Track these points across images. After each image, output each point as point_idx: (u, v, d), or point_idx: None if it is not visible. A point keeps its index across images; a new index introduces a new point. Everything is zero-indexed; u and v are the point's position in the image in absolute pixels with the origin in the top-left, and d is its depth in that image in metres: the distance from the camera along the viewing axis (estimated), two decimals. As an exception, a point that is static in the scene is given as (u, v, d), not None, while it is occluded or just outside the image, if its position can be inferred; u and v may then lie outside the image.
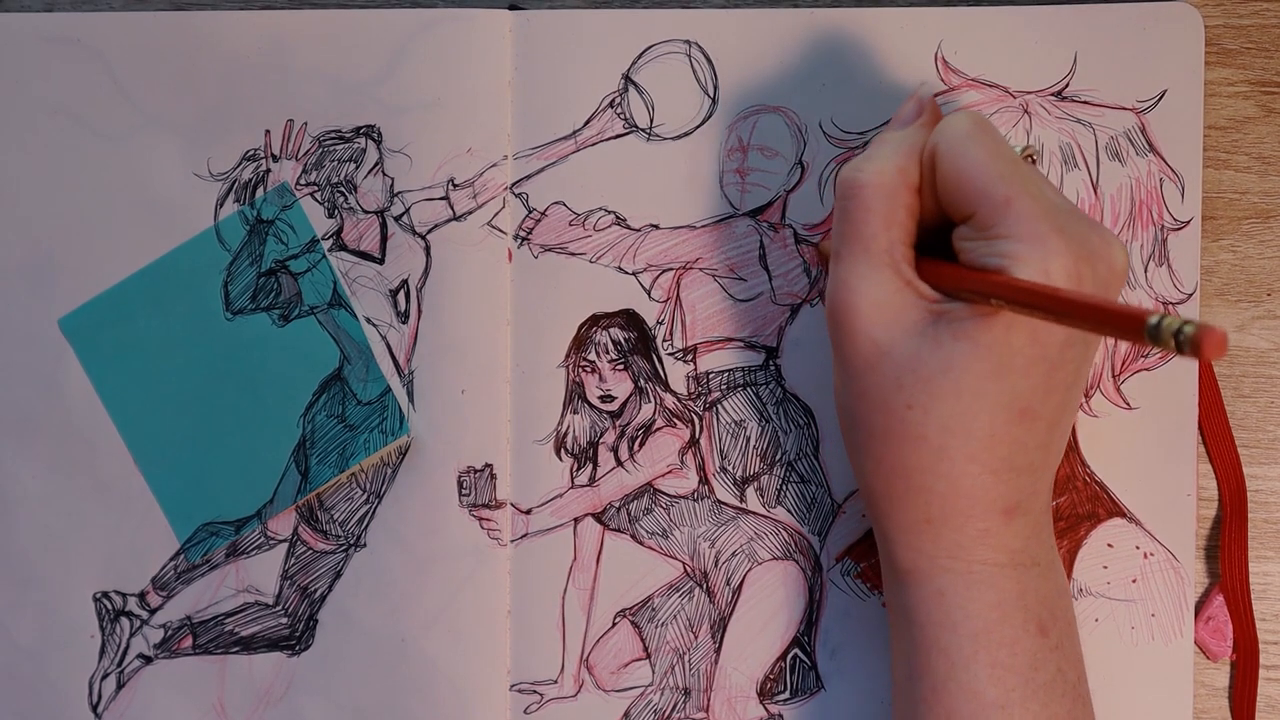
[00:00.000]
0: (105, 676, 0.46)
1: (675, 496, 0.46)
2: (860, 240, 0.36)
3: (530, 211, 0.46)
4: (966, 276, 0.35)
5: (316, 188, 0.46)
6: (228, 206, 0.46)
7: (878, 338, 0.36)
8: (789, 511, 0.45)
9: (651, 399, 0.45)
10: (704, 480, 0.46)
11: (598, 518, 0.45)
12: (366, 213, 0.46)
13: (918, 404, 0.35)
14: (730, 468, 0.45)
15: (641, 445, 0.46)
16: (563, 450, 0.45)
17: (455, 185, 0.46)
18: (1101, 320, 0.30)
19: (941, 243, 0.37)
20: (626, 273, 0.46)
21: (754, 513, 0.45)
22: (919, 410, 0.35)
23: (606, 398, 0.46)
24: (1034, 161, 0.39)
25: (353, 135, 0.46)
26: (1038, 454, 0.36)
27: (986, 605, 0.36)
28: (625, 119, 0.46)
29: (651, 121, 0.45)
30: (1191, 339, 0.27)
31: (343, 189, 0.46)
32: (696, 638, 0.45)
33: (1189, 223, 0.45)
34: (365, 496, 0.45)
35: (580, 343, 0.46)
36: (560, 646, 0.45)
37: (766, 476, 0.45)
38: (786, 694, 0.45)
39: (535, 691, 0.45)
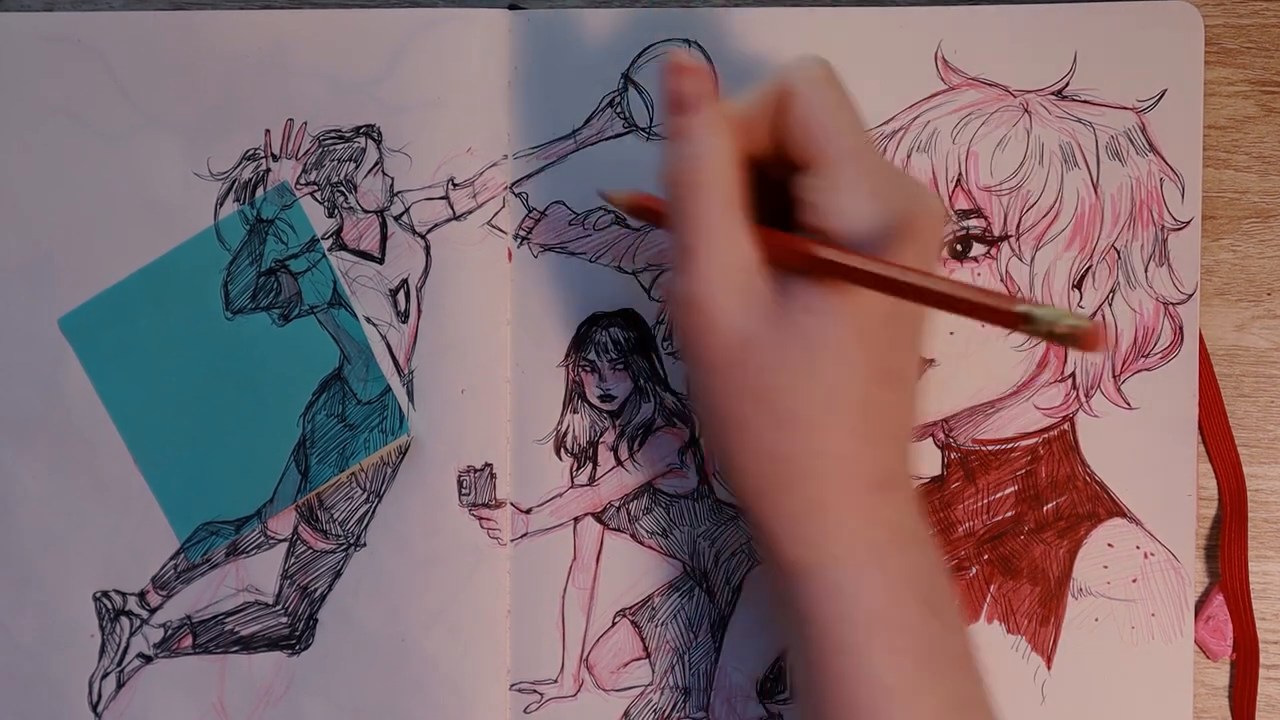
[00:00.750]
0: (105, 676, 0.46)
1: (675, 496, 0.46)
2: (701, 233, 0.36)
3: (530, 211, 0.46)
4: (826, 260, 0.34)
5: (316, 187, 0.46)
6: (228, 206, 0.46)
7: (739, 328, 0.35)
8: (789, 511, 0.45)
9: (651, 398, 0.45)
10: (704, 480, 0.46)
11: (598, 517, 0.45)
12: (366, 212, 0.46)
13: (786, 386, 0.35)
14: (730, 467, 0.45)
15: (641, 445, 0.46)
16: (563, 450, 0.45)
17: (455, 185, 0.46)
18: (977, 307, 0.30)
19: (773, 195, 0.37)
20: (626, 272, 0.46)
21: (754, 512, 0.45)
22: (789, 393, 0.35)
23: (606, 397, 0.46)
24: None
25: (353, 135, 0.46)
26: (905, 418, 0.37)
27: (877, 589, 0.35)
28: (625, 118, 0.46)
29: (651, 121, 0.45)
30: (1068, 331, 0.27)
31: (343, 188, 0.46)
32: (696, 637, 0.45)
33: (1189, 223, 0.45)
34: (365, 496, 0.45)
35: (580, 342, 0.46)
36: (560, 646, 0.45)
37: (766, 476, 0.45)
38: (787, 693, 0.45)
39: (535, 691, 0.45)
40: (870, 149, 0.35)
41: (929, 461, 0.45)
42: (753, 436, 0.36)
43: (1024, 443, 0.45)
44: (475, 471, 0.45)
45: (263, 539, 0.46)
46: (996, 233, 0.45)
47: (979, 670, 0.37)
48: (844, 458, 0.35)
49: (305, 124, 0.46)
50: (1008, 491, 0.45)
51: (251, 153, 0.46)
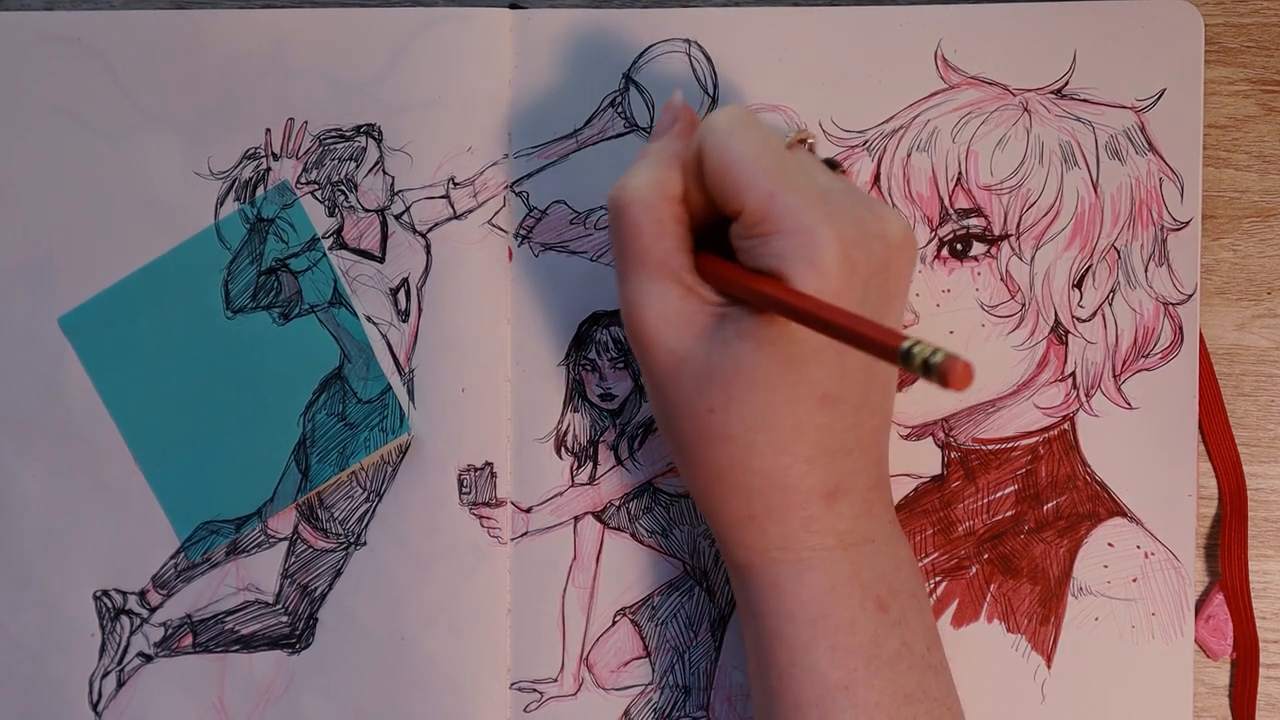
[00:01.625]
0: (105, 675, 0.46)
1: (675, 495, 0.46)
2: (635, 257, 0.37)
3: (531, 210, 0.46)
4: (739, 284, 0.35)
5: (317, 186, 0.46)
6: (228, 205, 0.46)
7: (671, 347, 0.36)
8: (789, 510, 0.45)
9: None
10: (704, 479, 0.45)
11: (598, 516, 0.46)
12: (367, 211, 0.46)
13: (718, 406, 0.35)
14: (730, 466, 0.45)
15: (641, 444, 0.46)
16: (563, 449, 0.45)
17: (456, 184, 0.46)
18: (858, 339, 0.31)
19: (725, 236, 0.37)
20: (627, 271, 0.46)
21: (754, 511, 0.45)
22: (720, 412, 0.35)
23: (607, 396, 0.46)
24: (811, 147, 0.39)
25: (353, 134, 0.46)
26: (849, 436, 0.36)
27: (820, 590, 0.36)
28: (626, 118, 0.46)
29: (652, 120, 0.46)
30: (938, 368, 0.28)
31: (343, 187, 0.46)
32: (696, 636, 0.45)
33: (1189, 223, 0.45)
34: (365, 495, 0.45)
35: (580, 341, 0.46)
36: (560, 645, 0.45)
37: (766, 475, 0.45)
38: (787, 693, 0.45)
39: (535, 690, 0.45)
40: (793, 189, 0.35)
41: (929, 460, 0.45)
42: (691, 449, 0.37)
43: (1024, 442, 0.45)
44: (475, 470, 0.45)
45: (263, 538, 0.46)
46: (996, 232, 0.45)
47: (938, 663, 0.38)
48: (778, 474, 0.36)
49: (306, 123, 0.46)
50: (1008, 491, 0.45)
51: (252, 152, 0.46)
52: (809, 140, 0.39)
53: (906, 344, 0.29)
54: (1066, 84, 0.45)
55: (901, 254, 0.36)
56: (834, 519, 0.36)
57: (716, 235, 0.38)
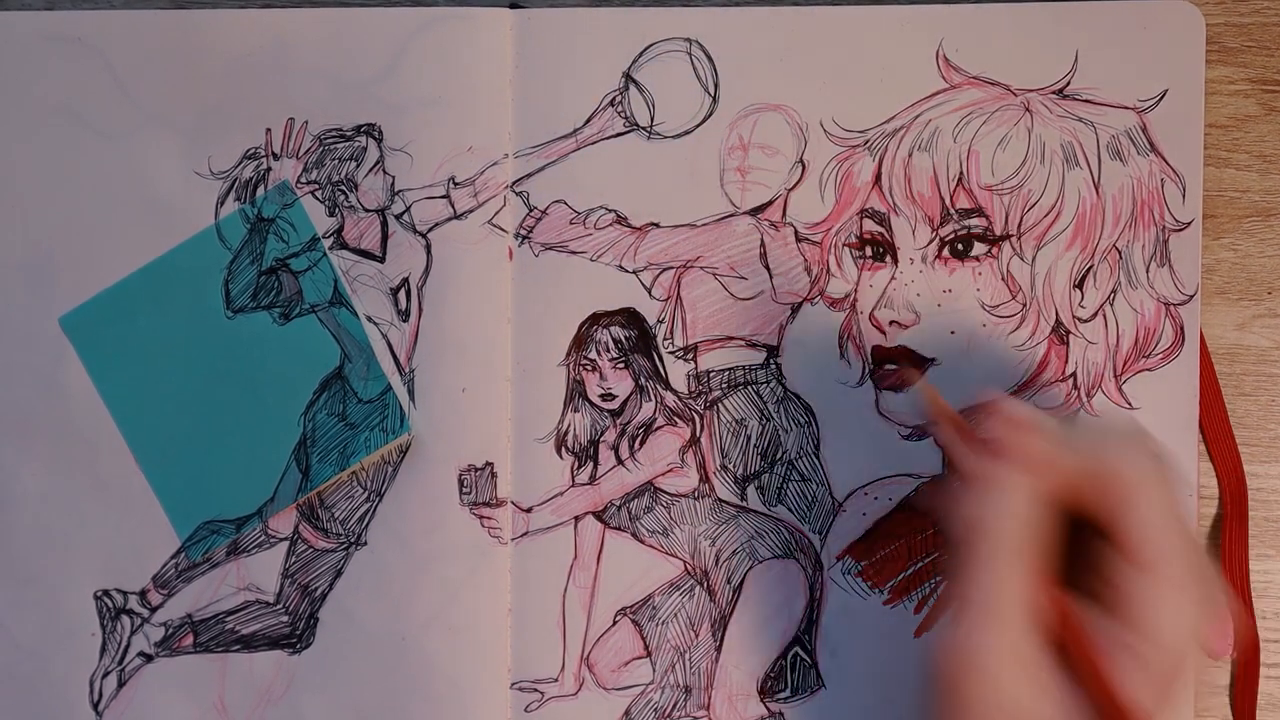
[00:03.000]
0: (106, 675, 0.46)
1: (676, 495, 0.46)
2: (1001, 604, 0.33)
3: (531, 210, 0.46)
4: (1087, 682, 0.33)
5: (317, 186, 0.46)
6: (228, 205, 0.46)
7: (1016, 698, 0.33)
8: (789, 510, 0.45)
9: (652, 397, 0.45)
10: (704, 479, 0.46)
11: (598, 516, 0.46)
12: (367, 211, 0.46)
13: None
14: (731, 466, 0.45)
15: (642, 444, 0.46)
16: (563, 449, 0.45)
17: (456, 183, 0.46)
18: None
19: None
20: (627, 271, 0.46)
21: (754, 511, 0.45)
22: None
23: (607, 396, 0.46)
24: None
25: (353, 133, 0.46)
26: None
27: None
28: (626, 117, 0.46)
29: (652, 120, 0.45)
30: None
31: (343, 187, 0.46)
32: (697, 636, 0.45)
33: (1190, 224, 0.45)
34: (366, 495, 0.45)
35: (581, 341, 0.46)
36: (561, 645, 0.45)
37: (767, 475, 0.45)
38: (787, 692, 0.45)
39: (536, 689, 0.45)
40: (1191, 557, 0.33)
41: (929, 460, 0.45)
42: None
43: (1025, 442, 0.45)
44: (476, 470, 0.45)
45: (263, 538, 0.46)
46: (998, 232, 0.45)
47: None
48: None
49: (306, 123, 0.46)
50: (1008, 490, 0.45)
51: (252, 151, 0.46)
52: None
53: None
54: (1068, 84, 0.45)
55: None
56: None
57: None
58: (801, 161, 0.45)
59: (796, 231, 0.45)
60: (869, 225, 0.45)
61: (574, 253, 0.46)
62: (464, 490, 0.45)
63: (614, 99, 0.46)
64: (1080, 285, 0.45)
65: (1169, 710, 0.33)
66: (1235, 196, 0.46)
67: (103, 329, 0.46)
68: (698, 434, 0.45)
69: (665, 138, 0.46)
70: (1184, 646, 0.33)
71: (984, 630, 0.33)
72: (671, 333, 0.46)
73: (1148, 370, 0.45)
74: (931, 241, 0.45)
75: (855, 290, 0.45)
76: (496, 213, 0.46)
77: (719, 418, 0.45)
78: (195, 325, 0.46)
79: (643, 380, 0.46)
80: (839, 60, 0.45)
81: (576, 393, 0.45)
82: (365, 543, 0.46)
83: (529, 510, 0.45)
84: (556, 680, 0.45)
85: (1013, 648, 0.33)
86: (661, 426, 0.46)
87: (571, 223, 0.46)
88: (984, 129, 0.45)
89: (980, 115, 0.45)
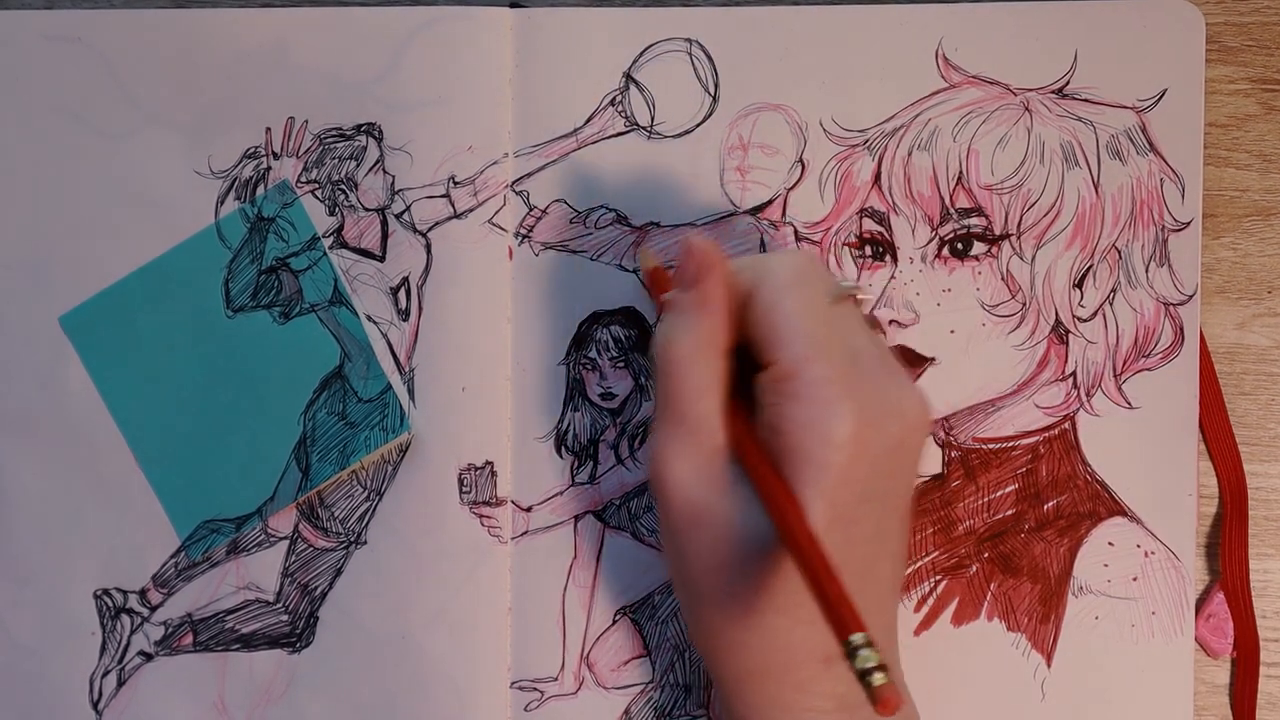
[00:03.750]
0: (106, 674, 0.46)
1: (676, 494, 0.45)
2: (673, 412, 0.37)
3: (531, 209, 0.46)
4: (754, 479, 0.35)
5: (317, 185, 0.46)
6: (228, 204, 0.46)
7: (692, 499, 0.36)
8: (789, 509, 0.45)
9: (652, 397, 0.45)
10: (704, 478, 0.45)
11: (598, 515, 0.46)
12: (367, 210, 0.46)
13: (729, 564, 0.35)
14: (731, 465, 0.45)
15: (642, 443, 0.46)
16: (563, 448, 0.45)
17: (456, 183, 0.46)
18: (824, 599, 0.31)
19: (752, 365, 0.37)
20: (627, 270, 0.46)
21: (754, 510, 0.45)
22: (731, 570, 0.35)
23: (607, 395, 0.46)
24: (858, 300, 0.39)
25: (354, 133, 0.46)
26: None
27: None
28: (626, 117, 0.46)
29: (652, 119, 0.46)
30: (872, 689, 0.29)
31: (343, 186, 0.46)
32: (697, 635, 0.45)
33: (1189, 224, 0.45)
34: (366, 494, 0.45)
35: (581, 340, 0.46)
36: (561, 644, 0.45)
37: (767, 474, 0.45)
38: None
39: (536, 689, 0.45)
40: (825, 359, 0.35)
41: (929, 460, 0.45)
42: (697, 602, 0.37)
43: (1025, 441, 0.45)
44: (476, 469, 0.45)
45: (263, 537, 0.46)
46: (997, 231, 0.45)
47: None
48: (780, 638, 0.36)
49: (306, 122, 0.46)
50: (1008, 490, 0.45)
51: (252, 151, 0.46)
52: (859, 297, 0.39)
53: (857, 641, 0.29)
54: (1068, 83, 0.45)
55: (916, 433, 0.36)
56: (832, 682, 0.36)
57: (743, 367, 0.37)
58: (801, 161, 0.45)
59: (796, 231, 0.45)
60: (868, 224, 0.45)
61: (574, 252, 0.46)
62: (464, 489, 0.45)
63: (614, 98, 0.46)
64: (1080, 285, 0.45)
65: (853, 513, 0.35)
66: (1235, 196, 0.46)
67: (103, 328, 0.46)
68: (697, 433, 0.45)
69: (665, 137, 0.46)
70: (835, 448, 0.34)
71: (662, 435, 0.37)
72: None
73: (1147, 370, 0.45)
74: (931, 241, 0.45)
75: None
76: (497, 212, 0.46)
77: (719, 417, 0.45)
78: (195, 324, 0.46)
79: (643, 379, 0.46)
80: (839, 60, 0.45)
81: (576, 392, 0.46)
82: (365, 542, 0.46)
83: (529, 509, 0.45)
84: (556, 679, 0.45)
85: (689, 451, 0.36)
86: (661, 426, 0.46)
87: (572, 222, 0.46)
88: (983, 128, 0.45)
89: (980, 115, 0.45)
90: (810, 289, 0.36)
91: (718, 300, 0.37)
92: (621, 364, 0.45)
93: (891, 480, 0.36)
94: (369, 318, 0.46)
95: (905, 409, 0.36)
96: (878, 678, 0.29)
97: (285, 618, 0.46)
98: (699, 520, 0.36)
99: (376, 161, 0.46)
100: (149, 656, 0.46)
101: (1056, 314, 0.45)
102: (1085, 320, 0.45)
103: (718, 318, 0.37)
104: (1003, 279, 0.45)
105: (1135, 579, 0.45)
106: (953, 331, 0.45)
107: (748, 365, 0.37)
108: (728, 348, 0.37)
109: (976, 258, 0.45)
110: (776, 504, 0.34)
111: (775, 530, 0.34)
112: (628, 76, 0.46)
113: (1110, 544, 0.45)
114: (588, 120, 0.46)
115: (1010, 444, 0.45)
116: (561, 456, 0.45)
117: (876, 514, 0.36)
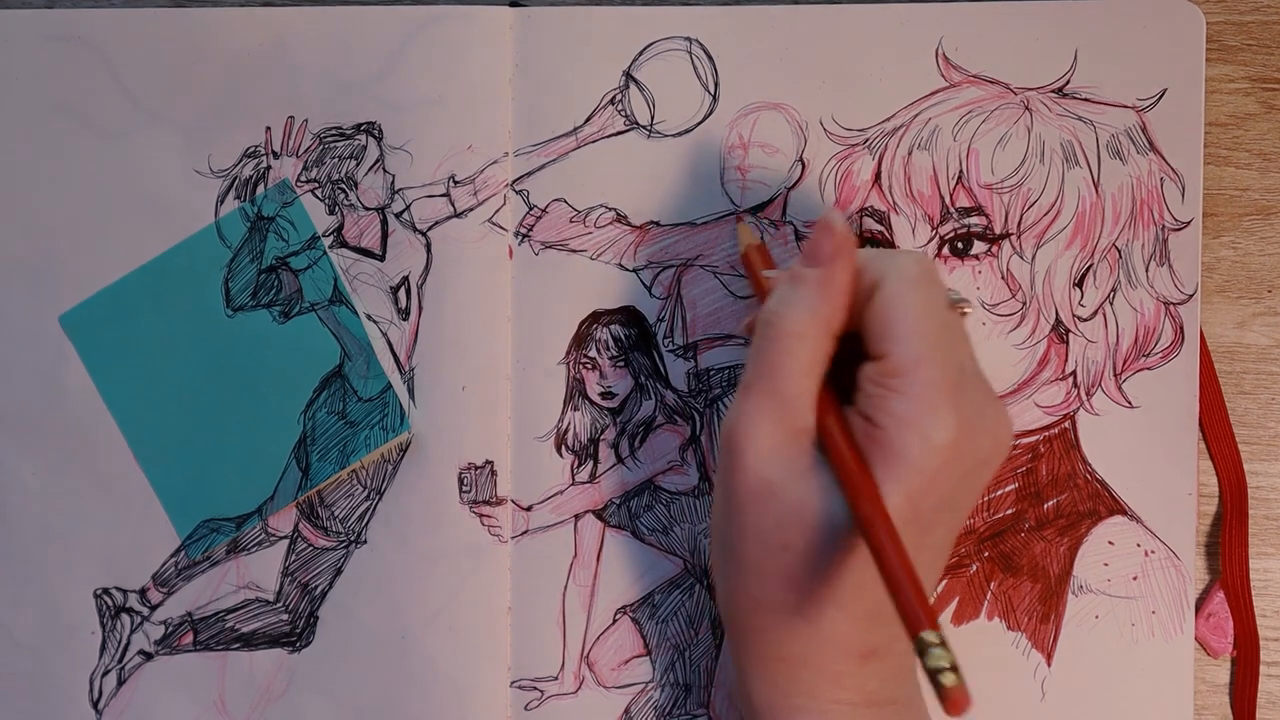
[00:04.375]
0: (106, 673, 0.46)
1: (676, 493, 0.46)
2: (772, 383, 0.36)
3: (531, 208, 0.46)
4: (837, 464, 0.35)
5: (317, 184, 0.46)
6: (228, 203, 0.46)
7: (768, 475, 0.36)
8: (790, 508, 0.45)
9: (652, 396, 0.45)
10: (705, 477, 0.46)
11: (598, 514, 0.46)
12: (367, 209, 0.46)
13: (794, 546, 0.35)
14: (731, 464, 0.45)
15: (642, 442, 0.46)
16: (563, 447, 0.45)
17: (456, 182, 0.46)
18: (898, 592, 0.31)
19: (851, 353, 0.37)
20: (627, 269, 0.46)
21: (755, 509, 0.45)
22: (794, 553, 0.35)
23: (607, 394, 0.46)
24: (964, 314, 0.39)
25: (353, 132, 0.46)
26: None
27: None
28: (626, 116, 0.46)
29: (652, 118, 0.46)
30: (943, 688, 0.28)
31: (343, 186, 0.46)
32: (697, 634, 0.45)
33: (1189, 223, 0.45)
34: (366, 493, 0.45)
35: (581, 339, 0.46)
36: (561, 643, 0.45)
37: (767, 473, 0.45)
38: (787, 691, 0.45)
39: (536, 688, 0.45)
40: (939, 363, 0.35)
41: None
42: (749, 578, 0.37)
43: (1025, 440, 0.45)
44: (476, 469, 0.45)
45: (263, 536, 0.46)
46: (998, 230, 0.45)
47: None
48: (826, 628, 0.36)
49: (306, 121, 0.46)
50: (1008, 489, 0.45)
51: (252, 150, 0.46)
52: (964, 308, 0.39)
53: (930, 639, 0.29)
54: (1068, 83, 0.45)
55: (999, 455, 0.37)
56: (864, 678, 0.36)
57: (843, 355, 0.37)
58: (801, 160, 0.45)
59: (796, 230, 0.45)
60: (869, 224, 0.45)
61: (574, 251, 0.46)
62: (464, 488, 0.45)
63: (614, 97, 0.46)
64: (1080, 284, 0.45)
65: (930, 518, 0.35)
66: (1235, 195, 0.46)
67: (103, 327, 0.46)
68: (698, 432, 0.46)
69: (665, 136, 0.46)
70: (932, 452, 0.34)
71: (749, 404, 0.36)
72: (671, 331, 0.46)
73: (1147, 369, 0.45)
74: (931, 240, 0.45)
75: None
76: (496, 211, 0.46)
77: (719, 416, 0.45)
78: (195, 324, 0.46)
79: (643, 378, 0.46)
80: (839, 59, 0.45)
81: (576, 391, 0.46)
82: (365, 541, 0.46)
83: (529, 509, 0.45)
84: (556, 678, 0.45)
85: (775, 427, 0.36)
86: (661, 425, 0.46)
87: (571, 221, 0.46)
88: (984, 128, 0.45)
89: (980, 114, 0.45)
90: (935, 291, 0.36)
91: (844, 283, 0.37)
92: (621, 363, 0.45)
93: (968, 495, 0.36)
94: (369, 317, 0.46)
95: (998, 430, 0.36)
96: (949, 678, 0.28)
97: (285, 617, 0.46)
98: (771, 496, 0.35)
99: (376, 161, 0.46)
100: (149, 656, 0.46)
101: (1056, 313, 0.45)
102: (1085, 319, 0.45)
103: (840, 299, 0.36)
104: (1003, 278, 0.45)
105: (1135, 578, 0.45)
106: (953, 331, 0.45)
107: (844, 353, 0.37)
108: (838, 332, 0.37)
109: (977, 257, 0.45)
110: (860, 493, 0.33)
111: (853, 520, 0.34)
112: (628, 75, 0.46)
113: (1110, 543, 0.45)
114: (588, 119, 0.46)
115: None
116: (561, 456, 0.45)
117: (948, 524, 0.36)
